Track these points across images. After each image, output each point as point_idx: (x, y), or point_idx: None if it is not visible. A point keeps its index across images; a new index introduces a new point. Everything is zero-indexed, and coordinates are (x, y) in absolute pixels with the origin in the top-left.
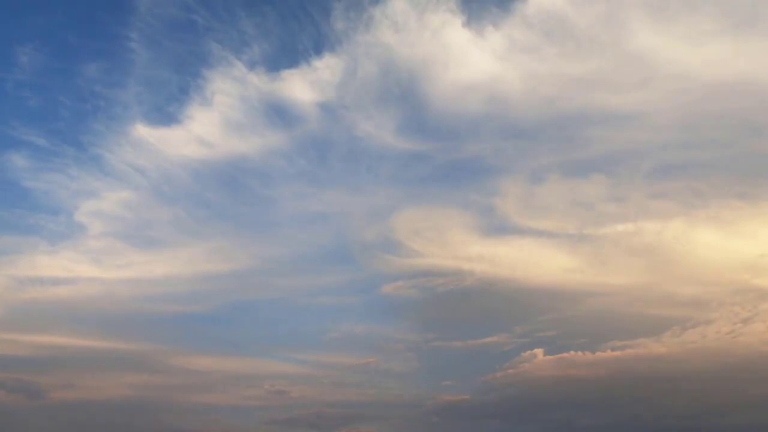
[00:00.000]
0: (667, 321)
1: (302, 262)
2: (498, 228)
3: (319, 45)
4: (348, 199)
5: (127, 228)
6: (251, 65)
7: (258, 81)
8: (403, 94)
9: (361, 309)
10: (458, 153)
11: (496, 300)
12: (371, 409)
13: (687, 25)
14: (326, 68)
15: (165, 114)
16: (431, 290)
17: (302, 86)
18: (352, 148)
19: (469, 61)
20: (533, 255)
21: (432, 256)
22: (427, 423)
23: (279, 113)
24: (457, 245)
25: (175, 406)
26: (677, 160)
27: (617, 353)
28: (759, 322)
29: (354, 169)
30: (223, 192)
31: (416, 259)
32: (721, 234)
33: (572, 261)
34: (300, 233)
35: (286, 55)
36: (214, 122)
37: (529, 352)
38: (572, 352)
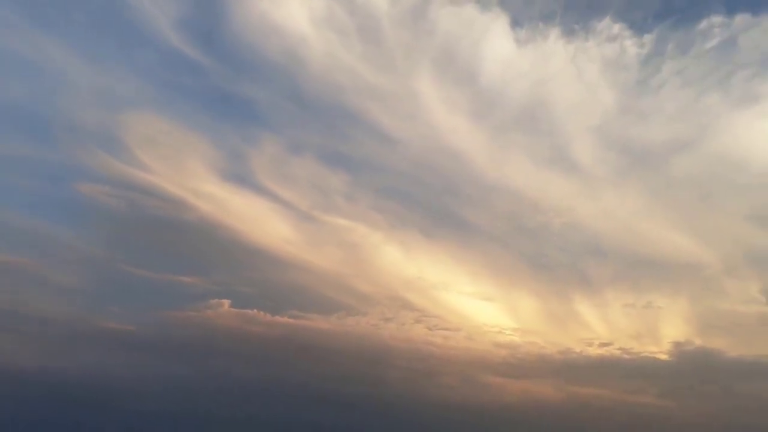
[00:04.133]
0: (339, 305)
1: None
2: (241, 177)
3: None
4: (81, 64)
5: None
6: None
7: None
8: None
9: (38, 198)
10: (237, 87)
11: (207, 243)
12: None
13: (447, 102)
14: None
15: None
16: (142, 210)
17: None
18: (118, 12)
19: (289, 10)
20: (263, 216)
21: (158, 175)
22: (73, 346)
23: None
24: (192, 176)
25: None
26: (401, 189)
27: (292, 321)
28: (394, 323)
29: (107, 36)
30: None
31: (138, 170)
32: (401, 254)
33: (293, 234)
34: None
35: None
36: None
37: (217, 300)
38: (256, 311)
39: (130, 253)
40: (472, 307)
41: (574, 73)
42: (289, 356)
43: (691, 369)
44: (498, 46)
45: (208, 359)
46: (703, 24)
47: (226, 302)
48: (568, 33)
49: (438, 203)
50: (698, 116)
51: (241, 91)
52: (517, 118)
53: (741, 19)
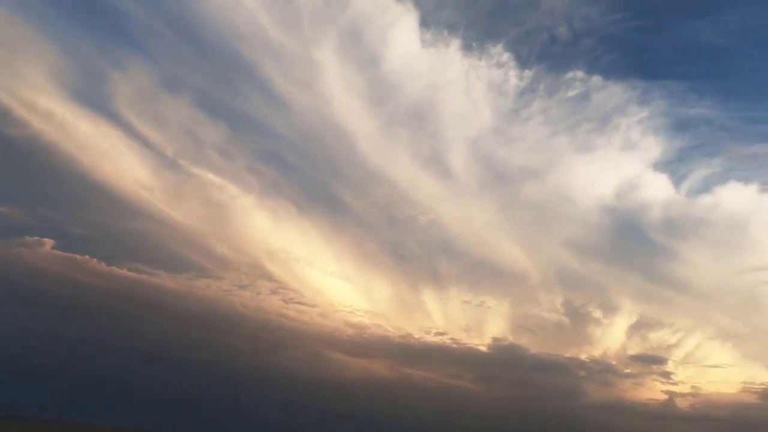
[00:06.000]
0: (192, 265)
1: None
2: (96, 102)
3: None
4: None
5: None
6: None
7: None
8: None
9: None
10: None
11: (35, 168)
12: None
13: (346, 80)
14: None
15: None
16: None
17: None
18: None
19: None
20: (116, 152)
21: None
22: None
23: None
24: (27, 85)
25: None
26: (282, 156)
27: (132, 274)
28: (249, 292)
29: None
30: None
31: None
32: (269, 222)
33: (151, 180)
34: None
35: None
36: None
37: (37, 238)
38: (87, 257)
39: None
40: (331, 285)
41: (464, 86)
42: (122, 313)
43: (502, 360)
44: (404, 40)
45: (11, 307)
46: (569, 75)
47: (49, 242)
48: (467, 48)
49: (316, 178)
50: (549, 152)
51: (125, 12)
52: (407, 114)
53: (596, 79)
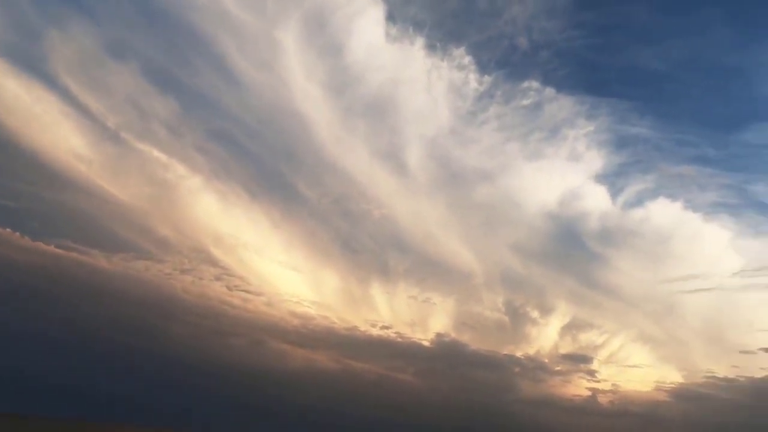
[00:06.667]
0: (129, 245)
1: None
2: (29, 62)
3: None
4: None
5: None
6: None
7: None
8: None
9: None
10: None
11: None
12: None
13: (307, 65)
14: None
15: None
16: None
17: None
18: None
19: None
20: (51, 118)
21: None
22: None
23: None
24: None
25: None
26: (236, 138)
27: (61, 251)
28: (192, 276)
29: None
30: None
31: None
32: (218, 206)
33: (93, 154)
34: None
35: None
36: None
37: None
38: (10, 230)
39: None
40: (278, 274)
41: (425, 85)
42: (48, 293)
43: (443, 355)
44: (369, 32)
45: None
46: (525, 84)
47: None
48: (430, 47)
49: (270, 164)
50: (502, 157)
51: None
52: (366, 107)
53: (549, 91)
